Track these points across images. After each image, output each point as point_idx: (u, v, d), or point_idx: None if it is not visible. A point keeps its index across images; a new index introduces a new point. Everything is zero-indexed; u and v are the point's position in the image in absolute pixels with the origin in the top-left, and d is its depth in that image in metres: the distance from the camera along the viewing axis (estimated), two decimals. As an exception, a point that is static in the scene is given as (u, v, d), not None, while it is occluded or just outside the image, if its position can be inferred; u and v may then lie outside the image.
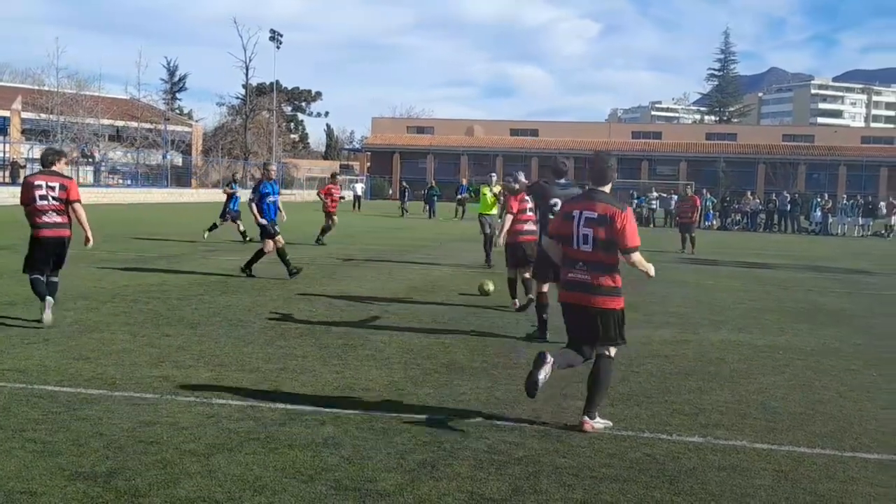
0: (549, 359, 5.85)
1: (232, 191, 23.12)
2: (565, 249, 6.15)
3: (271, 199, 14.20)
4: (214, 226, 22.58)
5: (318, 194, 25.27)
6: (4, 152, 52.50)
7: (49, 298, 9.01)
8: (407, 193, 50.55)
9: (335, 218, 23.08)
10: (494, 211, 17.15)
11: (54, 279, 9.35)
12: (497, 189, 16.92)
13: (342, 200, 23.99)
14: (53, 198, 9.11)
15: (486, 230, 17.36)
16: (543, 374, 5.78)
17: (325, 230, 22.59)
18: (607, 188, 6.20)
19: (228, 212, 22.78)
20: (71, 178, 9.61)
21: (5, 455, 4.86)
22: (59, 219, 9.17)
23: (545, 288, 9.28)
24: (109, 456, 4.92)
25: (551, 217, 8.47)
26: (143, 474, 4.64)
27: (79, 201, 9.31)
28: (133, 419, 5.67)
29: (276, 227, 14.13)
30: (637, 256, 6.01)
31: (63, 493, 4.34)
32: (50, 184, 9.13)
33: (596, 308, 5.96)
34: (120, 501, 4.27)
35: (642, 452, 5.41)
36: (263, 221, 14.01)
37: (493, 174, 18.45)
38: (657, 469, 5.10)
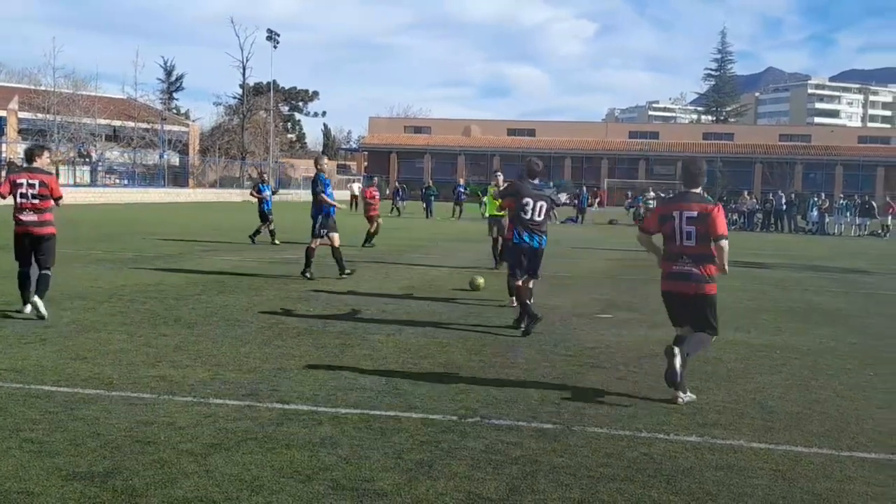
0: (677, 350, 6.62)
1: (261, 195, 22.43)
2: (668, 246, 7.02)
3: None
4: (258, 231, 22.03)
5: (360, 198, 25.05)
6: (1, 152, 52.41)
7: (35, 300, 9.25)
8: (400, 193, 50.10)
9: (380, 220, 23.07)
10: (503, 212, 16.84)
11: (45, 272, 9.46)
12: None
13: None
14: (34, 195, 9.42)
15: (493, 233, 16.63)
16: (679, 363, 6.55)
17: (372, 234, 22.36)
18: (699, 189, 7.08)
19: (262, 213, 22.23)
20: (52, 175, 9.94)
21: (2, 455, 4.86)
22: (34, 216, 9.46)
23: (519, 282, 9.85)
24: (106, 456, 4.92)
25: (523, 215, 9.60)
26: (141, 474, 4.64)
27: (61, 198, 9.83)
28: (130, 419, 5.67)
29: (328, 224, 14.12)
30: (726, 243, 6.79)
31: (60, 493, 4.34)
32: (31, 181, 9.46)
33: (701, 294, 6.88)
34: (117, 501, 4.27)
35: (640, 452, 5.41)
36: (333, 204, 14.05)
37: (500, 173, 17.67)
38: (654, 468, 5.10)
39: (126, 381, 6.71)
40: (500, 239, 15.84)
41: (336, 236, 14.19)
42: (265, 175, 24.83)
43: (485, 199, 17.56)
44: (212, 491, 4.45)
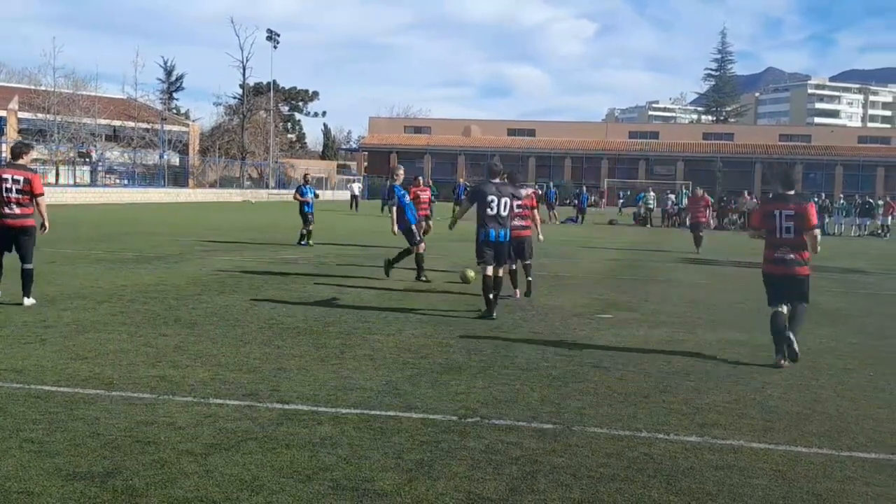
0: (792, 336, 8.20)
1: (303, 198, 22.28)
2: (769, 238, 8.68)
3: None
4: (303, 235, 21.81)
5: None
6: (1, 152, 52.39)
7: (24, 302, 10.00)
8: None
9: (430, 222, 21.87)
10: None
11: (27, 267, 10.10)
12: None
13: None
14: (17, 190, 9.97)
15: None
16: (796, 344, 8.20)
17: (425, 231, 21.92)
18: (792, 191, 8.77)
19: (303, 214, 22.07)
20: (36, 172, 10.51)
21: (2, 455, 4.86)
22: (18, 210, 10.04)
23: (489, 271, 10.58)
24: (107, 456, 4.92)
25: (490, 211, 10.47)
26: (141, 474, 4.64)
27: (42, 195, 10.25)
28: (130, 419, 5.67)
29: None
30: (818, 232, 8.64)
31: (60, 493, 4.34)
32: (15, 177, 10.00)
33: (800, 276, 8.57)
34: (117, 501, 4.27)
35: (640, 452, 5.41)
36: (396, 229, 14.24)
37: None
38: (654, 468, 5.10)
39: (126, 381, 6.71)
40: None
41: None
42: (309, 177, 24.50)
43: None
44: (212, 491, 4.45)
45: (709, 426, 6.05)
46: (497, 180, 10.75)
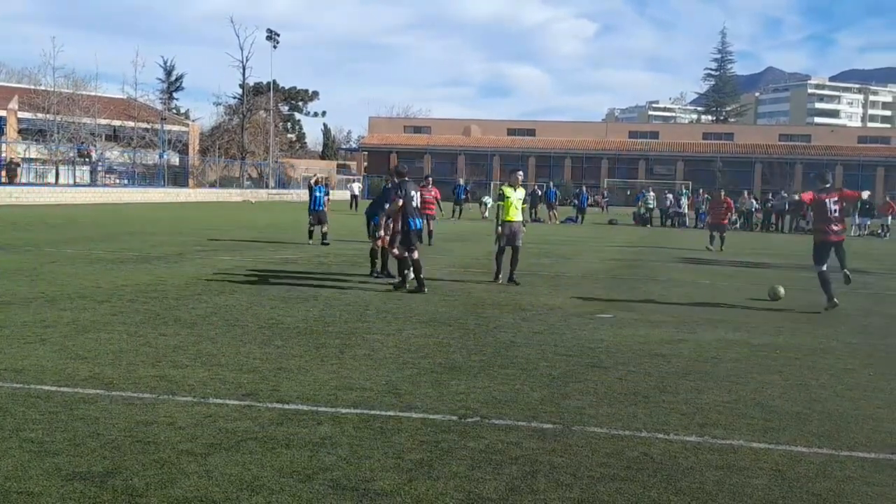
0: (844, 269, 12.63)
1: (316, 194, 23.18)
2: (822, 216, 12.60)
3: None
4: (311, 232, 22.66)
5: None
6: (1, 152, 52.42)
7: None
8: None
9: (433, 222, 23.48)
10: (519, 217, 14.64)
11: None
12: (522, 191, 14.91)
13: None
14: None
15: (502, 242, 14.54)
16: (847, 271, 12.73)
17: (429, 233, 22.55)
18: (828, 185, 12.79)
19: (311, 212, 22.86)
20: None
21: (2, 455, 4.86)
22: None
23: (416, 255, 12.81)
24: (107, 456, 4.92)
25: (414, 204, 12.97)
26: (141, 474, 4.64)
27: None
28: (130, 419, 5.67)
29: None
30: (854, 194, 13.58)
31: (60, 492, 4.34)
32: None
33: (843, 242, 12.71)
34: (117, 501, 4.27)
35: (639, 452, 5.41)
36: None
37: (520, 172, 15.24)
38: (654, 468, 5.11)
39: (126, 381, 6.71)
40: (505, 248, 14.52)
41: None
42: (320, 178, 25.52)
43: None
44: (212, 491, 4.45)
45: (709, 426, 6.06)
46: (406, 179, 13.17)
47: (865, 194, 13.76)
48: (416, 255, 12.80)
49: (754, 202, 45.68)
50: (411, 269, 12.78)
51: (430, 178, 23.47)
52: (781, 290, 13.44)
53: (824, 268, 12.51)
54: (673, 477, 4.97)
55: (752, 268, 20.01)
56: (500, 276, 14.54)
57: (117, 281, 12.78)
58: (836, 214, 12.48)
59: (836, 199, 12.52)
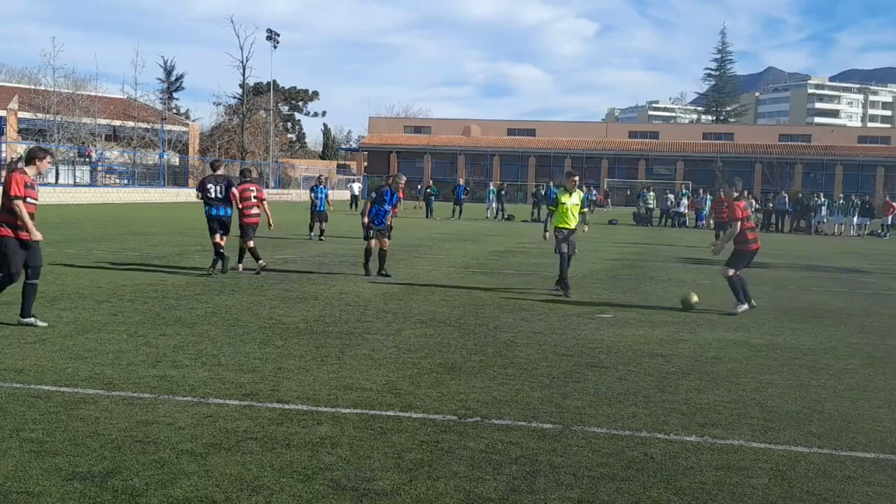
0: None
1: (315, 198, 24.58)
2: (750, 224, 12.48)
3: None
4: (322, 231, 24.10)
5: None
6: (1, 152, 52.43)
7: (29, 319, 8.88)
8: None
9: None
10: (575, 224, 13.42)
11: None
12: (579, 195, 13.62)
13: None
14: None
15: (563, 248, 13.32)
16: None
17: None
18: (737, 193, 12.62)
19: (315, 212, 24.39)
20: (13, 171, 9.01)
21: (2, 455, 4.86)
22: None
23: (217, 238, 14.08)
24: (107, 456, 4.92)
25: (210, 195, 14.31)
26: (141, 474, 4.64)
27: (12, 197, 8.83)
28: (130, 419, 5.67)
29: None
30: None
31: (60, 492, 4.34)
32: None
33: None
34: (117, 501, 4.27)
35: (639, 451, 5.41)
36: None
37: (577, 175, 14.03)
38: (654, 468, 5.11)
39: (126, 381, 6.71)
40: (570, 255, 13.34)
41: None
42: (323, 178, 27.11)
43: (552, 208, 13.60)
44: (212, 491, 4.45)
45: (709, 426, 6.06)
46: (218, 172, 14.62)
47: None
48: (217, 238, 14.16)
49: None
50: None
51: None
52: (694, 298, 12.09)
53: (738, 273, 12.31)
54: (673, 477, 4.97)
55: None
56: (568, 287, 13.15)
57: (117, 281, 12.78)
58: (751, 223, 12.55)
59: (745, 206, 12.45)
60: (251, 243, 14.95)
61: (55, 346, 7.93)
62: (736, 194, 12.72)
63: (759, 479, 5.00)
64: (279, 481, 4.63)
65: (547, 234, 13.73)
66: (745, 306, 11.93)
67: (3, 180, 9.04)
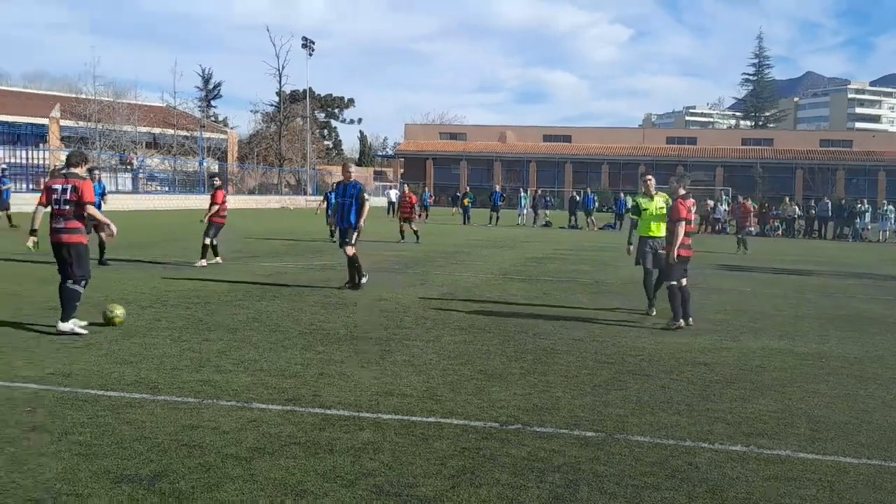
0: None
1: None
2: (687, 227, 10.90)
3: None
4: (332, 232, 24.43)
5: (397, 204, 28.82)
6: (44, 159, 53.36)
7: (58, 325, 8.80)
8: (425, 197, 49.11)
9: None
10: (664, 231, 11.64)
11: (69, 285, 8.95)
12: (664, 198, 11.97)
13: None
14: (65, 201, 9.05)
15: (648, 263, 11.92)
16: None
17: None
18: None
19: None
20: (86, 179, 9.35)
21: (52, 457, 4.94)
22: (62, 223, 9.02)
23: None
24: (153, 459, 4.97)
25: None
26: (187, 477, 4.69)
27: (91, 203, 9.13)
28: (176, 423, 5.73)
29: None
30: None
31: (108, 495, 4.39)
32: (64, 186, 9.12)
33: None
34: (164, 504, 4.31)
35: (684, 461, 5.35)
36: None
37: (650, 177, 12.53)
38: (699, 478, 5.05)
39: (171, 385, 6.79)
40: (652, 270, 11.89)
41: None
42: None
43: (634, 216, 12.26)
44: (256, 495, 4.48)
45: (755, 435, 5.97)
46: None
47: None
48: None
49: (797, 209, 45.04)
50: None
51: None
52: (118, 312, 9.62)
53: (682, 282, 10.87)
54: (719, 487, 4.90)
55: (795, 275, 19.73)
56: (652, 307, 11.94)
57: (160, 286, 12.94)
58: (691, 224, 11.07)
59: (693, 206, 11.18)
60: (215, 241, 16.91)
61: (101, 350, 8.05)
62: (683, 191, 11.17)
63: (807, 489, 4.92)
64: (322, 486, 4.65)
65: (630, 247, 12.10)
66: (681, 322, 10.67)
67: (68, 187, 9.08)
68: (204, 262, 16.44)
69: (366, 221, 13.70)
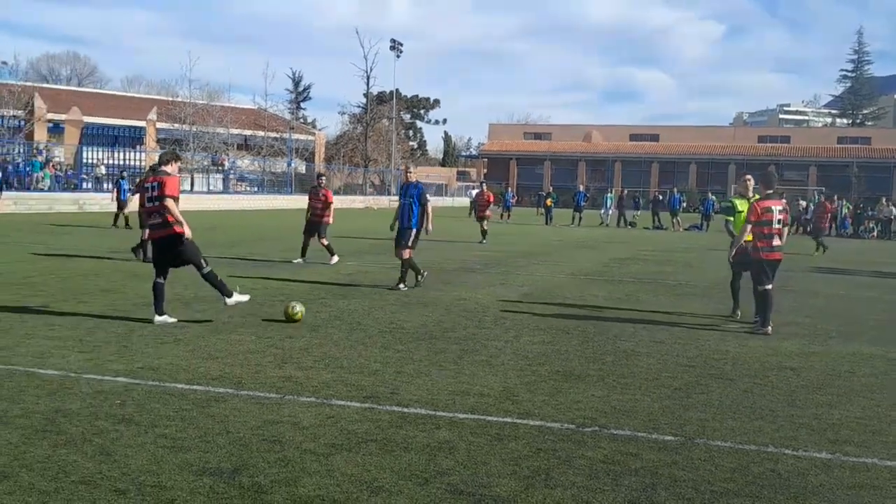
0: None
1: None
2: (767, 230, 10.40)
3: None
4: None
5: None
6: (141, 161, 55.31)
7: (158, 318, 9.44)
8: (507, 197, 48.77)
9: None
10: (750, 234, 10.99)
11: (203, 274, 9.76)
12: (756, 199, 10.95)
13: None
14: (154, 198, 9.55)
15: (736, 265, 11.65)
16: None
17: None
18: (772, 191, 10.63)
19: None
20: (171, 175, 9.65)
21: (138, 449, 5.12)
22: (156, 219, 9.57)
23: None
24: (234, 453, 5.11)
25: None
26: (266, 472, 4.80)
27: (171, 196, 9.41)
28: (258, 418, 5.87)
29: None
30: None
31: (190, 487, 4.53)
32: (152, 184, 9.61)
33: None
34: (243, 497, 4.43)
35: (766, 467, 5.22)
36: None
37: (749, 178, 12.06)
38: (781, 485, 4.92)
39: (254, 380, 6.96)
40: (740, 272, 11.62)
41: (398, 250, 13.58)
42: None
43: (729, 217, 12.01)
44: (333, 490, 4.56)
45: (840, 443, 5.79)
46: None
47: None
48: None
49: (893, 209, 43.37)
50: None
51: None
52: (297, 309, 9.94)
53: (769, 286, 10.43)
54: (801, 494, 4.77)
55: (890, 278, 19.00)
56: (736, 309, 11.77)
57: (247, 284, 13.22)
58: (779, 226, 10.40)
59: (781, 207, 10.40)
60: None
61: (189, 346, 8.30)
62: (769, 191, 10.61)
63: (894, 499, 4.74)
64: (397, 483, 4.70)
65: (733, 250, 11.18)
66: (768, 329, 10.26)
67: (155, 183, 9.53)
68: (336, 258, 17.03)
69: (433, 223, 13.70)
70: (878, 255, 27.23)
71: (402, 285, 13.33)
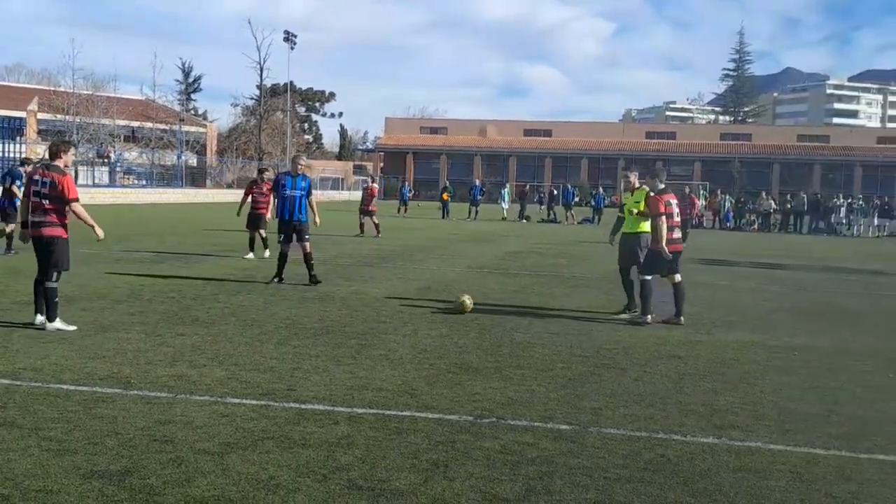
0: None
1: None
2: (668, 222, 10.76)
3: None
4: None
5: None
6: (21, 153, 52.88)
7: (39, 320, 8.79)
8: (404, 191, 48.91)
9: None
10: (647, 227, 11.33)
11: (48, 284, 8.78)
12: (641, 194, 11.33)
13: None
14: (43, 195, 8.79)
15: (619, 260, 11.95)
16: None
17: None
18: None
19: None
20: (65, 174, 9.01)
21: (22, 453, 4.90)
22: (41, 217, 8.82)
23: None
24: (124, 454, 4.94)
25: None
26: (158, 473, 4.67)
27: (75, 200, 8.94)
28: (148, 418, 5.70)
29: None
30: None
31: (78, 491, 4.36)
32: (43, 180, 8.84)
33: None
34: (135, 500, 4.29)
35: (656, 453, 5.39)
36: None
37: (631, 174, 12.02)
38: (671, 470, 5.09)
39: (144, 380, 6.75)
40: (630, 269, 11.70)
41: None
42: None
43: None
44: (228, 490, 4.47)
45: (726, 427, 6.03)
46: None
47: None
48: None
49: (772, 203, 45.38)
50: None
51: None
52: (468, 304, 10.82)
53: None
54: (690, 479, 4.94)
55: (769, 269, 19.88)
56: (631, 304, 11.61)
57: (135, 281, 12.86)
58: (677, 219, 11.01)
59: (676, 200, 11.04)
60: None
61: (74, 345, 7.99)
62: (661, 186, 11.00)
63: (777, 481, 4.97)
64: (296, 481, 4.64)
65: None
66: (650, 317, 10.66)
67: (47, 181, 8.79)
68: (268, 252, 16.84)
69: (319, 217, 13.79)
70: (759, 248, 28.46)
71: (315, 276, 13.37)
